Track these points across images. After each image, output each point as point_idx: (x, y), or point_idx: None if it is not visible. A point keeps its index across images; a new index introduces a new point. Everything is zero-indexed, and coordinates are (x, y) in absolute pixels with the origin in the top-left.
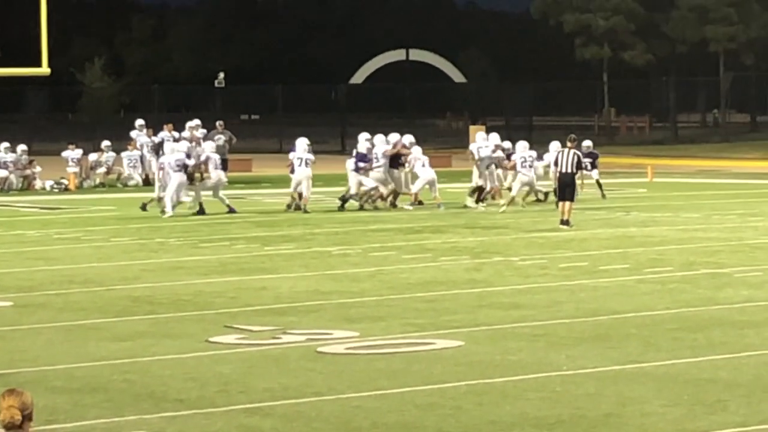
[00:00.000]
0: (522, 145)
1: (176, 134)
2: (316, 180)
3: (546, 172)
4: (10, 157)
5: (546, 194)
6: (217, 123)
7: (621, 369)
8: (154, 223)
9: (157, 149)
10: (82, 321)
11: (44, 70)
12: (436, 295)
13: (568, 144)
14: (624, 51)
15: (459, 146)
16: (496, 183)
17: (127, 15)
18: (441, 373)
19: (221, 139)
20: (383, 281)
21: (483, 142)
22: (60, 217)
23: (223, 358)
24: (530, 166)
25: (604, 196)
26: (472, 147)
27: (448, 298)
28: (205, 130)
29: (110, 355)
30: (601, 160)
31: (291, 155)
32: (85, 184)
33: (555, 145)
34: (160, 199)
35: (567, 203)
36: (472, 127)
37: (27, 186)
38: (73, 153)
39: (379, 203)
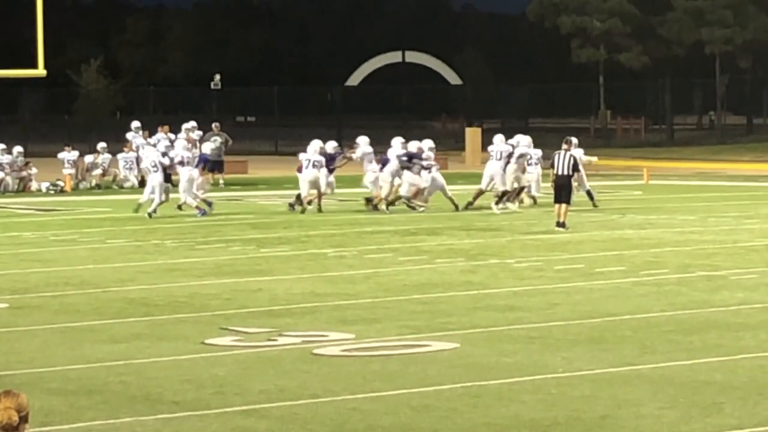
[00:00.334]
0: (526, 140)
1: (172, 136)
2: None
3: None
4: (5, 158)
5: (534, 199)
6: (213, 125)
7: (616, 371)
8: (150, 225)
9: None
10: (77, 323)
11: (40, 71)
12: (431, 297)
13: (564, 146)
14: (620, 53)
15: (455, 148)
16: (516, 184)
17: (122, 17)
18: (436, 375)
19: (217, 140)
20: (379, 283)
21: (503, 145)
22: (56, 219)
23: (218, 360)
24: (536, 164)
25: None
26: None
27: (443, 300)
28: (201, 132)
29: (106, 357)
30: (598, 162)
31: (301, 156)
32: (81, 186)
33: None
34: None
35: (563, 205)
36: (468, 129)
37: (23, 188)
38: (69, 155)
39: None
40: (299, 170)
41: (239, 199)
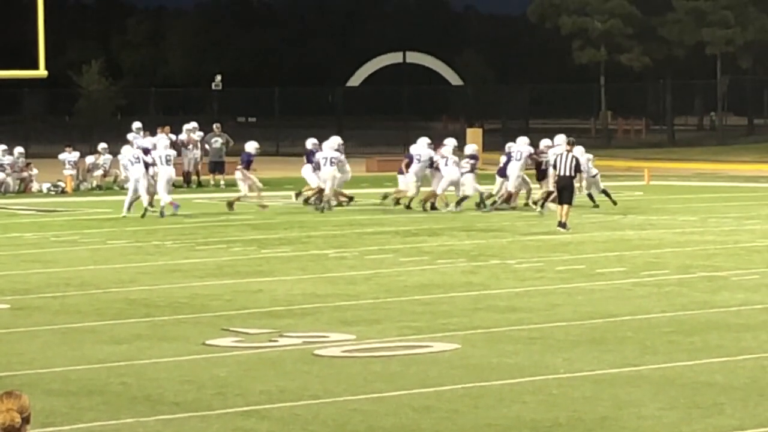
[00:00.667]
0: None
1: (173, 137)
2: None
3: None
4: (6, 159)
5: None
6: (214, 126)
7: (617, 372)
8: (151, 226)
9: None
10: (78, 324)
11: (41, 72)
12: (432, 298)
13: (567, 147)
14: (621, 54)
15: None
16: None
17: (123, 18)
18: (437, 376)
19: (218, 141)
20: (380, 284)
21: (525, 147)
22: (56, 220)
23: (219, 361)
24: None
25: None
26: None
27: (444, 301)
28: (202, 133)
29: (107, 358)
30: (597, 162)
31: (318, 155)
32: (82, 187)
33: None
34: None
35: (565, 206)
36: (469, 130)
37: (24, 188)
38: (69, 155)
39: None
40: (317, 168)
41: (240, 200)
